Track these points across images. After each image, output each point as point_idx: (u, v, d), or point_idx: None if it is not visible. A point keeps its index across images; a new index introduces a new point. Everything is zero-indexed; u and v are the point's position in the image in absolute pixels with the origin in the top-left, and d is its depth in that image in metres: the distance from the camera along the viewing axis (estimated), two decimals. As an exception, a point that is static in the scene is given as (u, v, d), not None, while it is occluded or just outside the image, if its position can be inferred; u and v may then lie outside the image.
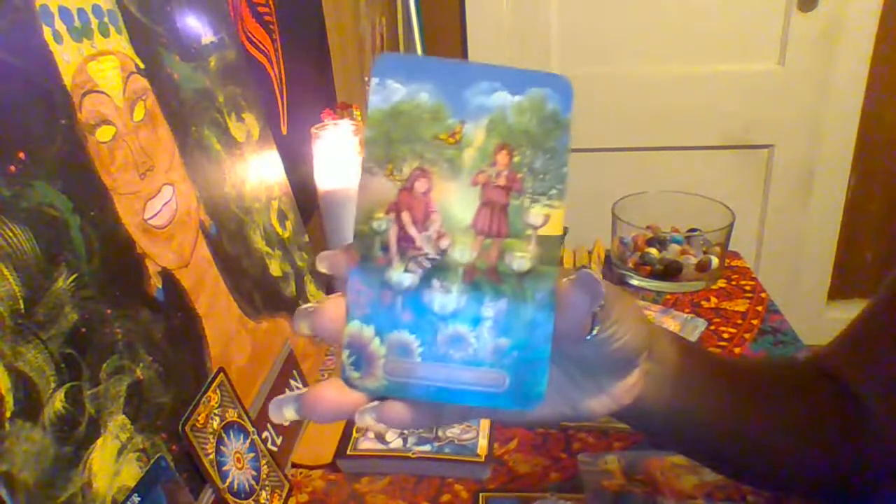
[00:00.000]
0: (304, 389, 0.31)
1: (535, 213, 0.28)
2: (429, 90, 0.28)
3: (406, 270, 0.28)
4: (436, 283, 0.28)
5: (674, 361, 0.40)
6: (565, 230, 1.01)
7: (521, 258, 0.28)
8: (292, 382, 0.72)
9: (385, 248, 0.28)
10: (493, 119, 0.28)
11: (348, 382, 0.28)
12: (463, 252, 0.28)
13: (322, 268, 0.30)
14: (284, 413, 0.31)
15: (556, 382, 0.35)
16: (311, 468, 0.67)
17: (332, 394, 0.30)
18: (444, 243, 0.28)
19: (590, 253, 1.06)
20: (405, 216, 0.28)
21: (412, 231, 0.28)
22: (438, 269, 0.28)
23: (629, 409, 0.38)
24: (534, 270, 0.28)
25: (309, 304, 0.30)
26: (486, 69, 0.29)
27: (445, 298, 0.28)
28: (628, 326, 0.33)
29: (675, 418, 0.41)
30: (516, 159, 0.28)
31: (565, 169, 0.28)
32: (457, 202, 0.28)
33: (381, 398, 0.30)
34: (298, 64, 1.04)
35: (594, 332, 0.32)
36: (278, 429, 0.67)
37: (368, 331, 0.28)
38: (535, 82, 0.29)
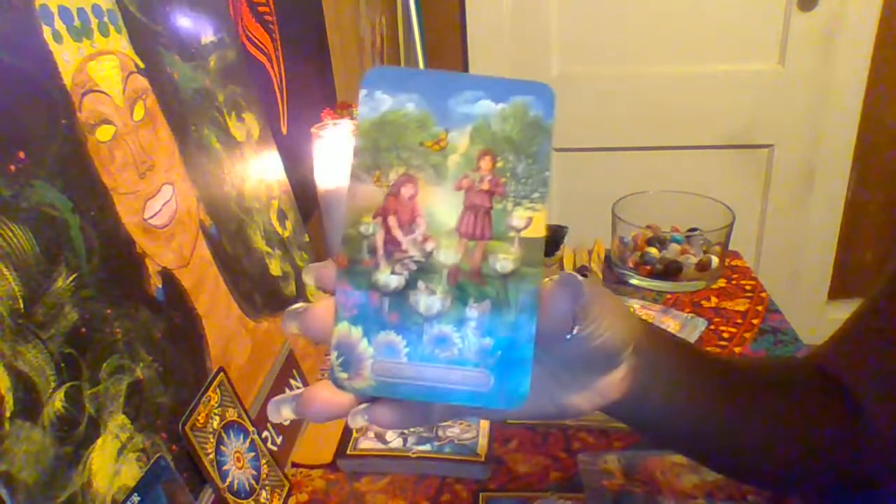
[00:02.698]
0: (301, 390, 0.32)
1: (518, 216, 0.29)
2: (415, 100, 0.29)
3: (392, 273, 0.29)
4: (421, 284, 0.29)
5: (665, 358, 0.40)
6: (565, 229, 1.01)
7: (504, 260, 0.29)
8: (292, 382, 0.72)
9: (372, 251, 0.29)
10: (476, 126, 0.29)
11: (337, 383, 0.29)
12: (448, 254, 0.29)
13: (308, 280, 0.31)
14: (282, 412, 0.32)
15: (539, 380, 0.35)
16: (311, 468, 0.67)
17: (325, 394, 0.31)
18: (429, 246, 0.29)
19: (590, 253, 1.07)
20: (392, 220, 0.29)
21: (398, 234, 0.29)
22: (424, 271, 0.29)
23: (619, 405, 0.38)
24: (517, 272, 0.29)
25: (298, 305, 0.31)
26: (471, 79, 0.30)
27: (430, 300, 0.29)
28: (608, 324, 0.34)
29: (670, 416, 0.42)
30: (499, 164, 0.29)
31: (548, 173, 0.29)
32: (441, 206, 0.29)
33: (371, 398, 0.31)
34: (298, 64, 1.04)
35: (574, 331, 0.32)
36: (278, 428, 0.67)
37: (356, 332, 0.29)
38: (517, 90, 0.30)
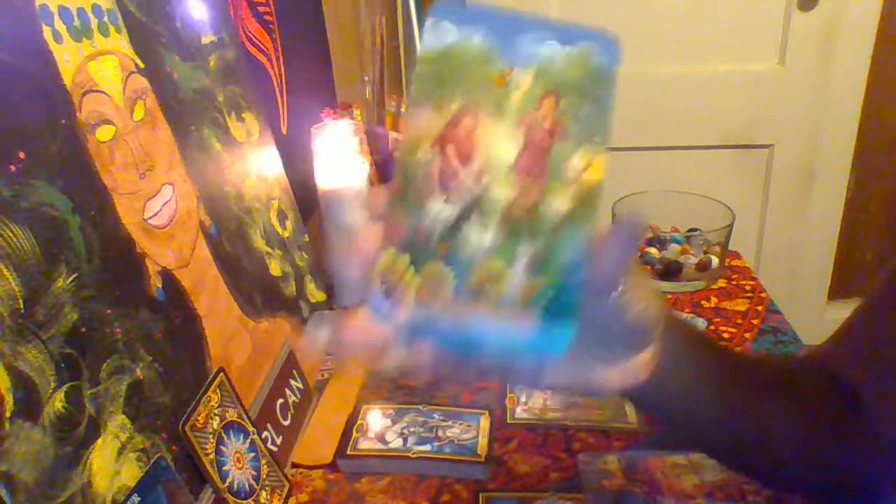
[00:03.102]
0: (339, 317, 0.31)
1: (577, 159, 0.29)
2: (481, 34, 0.29)
3: (446, 202, 0.28)
4: (474, 218, 0.28)
5: (688, 345, 0.41)
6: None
7: (560, 201, 0.28)
8: (292, 382, 0.72)
9: (427, 179, 0.28)
10: (541, 66, 0.29)
11: (378, 312, 0.28)
12: (503, 191, 0.28)
13: (363, 206, 0.30)
14: (320, 336, 0.31)
15: (574, 349, 0.35)
16: (311, 468, 0.67)
17: (363, 324, 0.29)
18: (485, 180, 0.28)
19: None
20: (449, 150, 0.28)
21: (455, 164, 0.28)
22: (478, 205, 0.28)
23: (643, 386, 0.38)
24: (571, 215, 0.28)
25: (327, 311, 0.30)
26: (538, 20, 0.29)
27: (482, 235, 0.28)
28: (644, 296, 0.34)
29: (686, 402, 0.42)
30: (561, 106, 0.29)
31: (609, 120, 0.29)
32: (501, 142, 0.29)
33: (409, 334, 0.29)
34: (298, 64, 1.04)
35: (619, 289, 0.32)
36: (278, 429, 0.67)
37: (403, 260, 0.28)
38: (584, 37, 0.29)
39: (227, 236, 0.68)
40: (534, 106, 0.29)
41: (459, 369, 0.32)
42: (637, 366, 0.37)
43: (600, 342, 0.36)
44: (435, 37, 0.29)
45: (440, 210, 0.28)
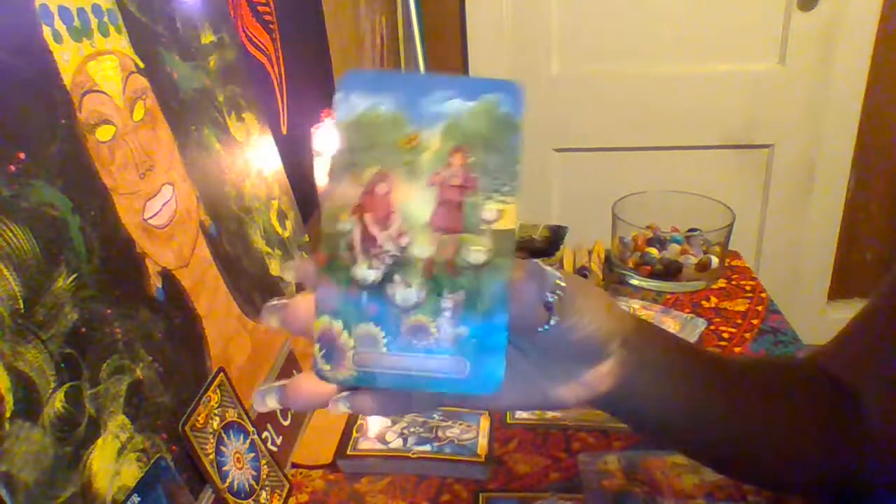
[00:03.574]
0: (285, 381, 0.34)
1: (489, 209, 0.30)
2: (388, 101, 0.30)
3: (370, 267, 0.30)
4: (398, 277, 0.30)
5: (657, 353, 0.40)
6: (565, 229, 1.01)
7: (476, 252, 0.30)
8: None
9: (350, 247, 0.30)
10: (447, 124, 0.30)
11: (320, 375, 0.30)
12: (422, 248, 0.30)
13: (289, 277, 0.32)
14: (267, 403, 0.34)
15: (525, 371, 0.37)
16: (311, 468, 0.67)
17: (309, 385, 0.33)
18: (404, 241, 0.30)
19: (590, 253, 1.07)
20: (368, 217, 0.30)
21: (374, 230, 0.30)
22: (400, 264, 0.30)
23: (606, 398, 0.38)
24: (489, 263, 0.30)
25: (278, 300, 0.32)
26: (441, 80, 0.31)
27: (407, 292, 0.30)
28: (591, 317, 0.35)
29: (660, 410, 0.42)
30: (470, 160, 0.30)
31: (517, 167, 0.30)
32: (415, 202, 0.30)
33: (353, 387, 0.32)
34: (298, 64, 1.04)
35: (551, 322, 0.33)
36: (278, 429, 0.67)
37: (337, 324, 0.30)
38: (486, 89, 0.30)
39: (227, 236, 0.68)
40: (444, 164, 0.30)
41: (405, 411, 0.34)
42: (595, 379, 0.37)
43: (550, 362, 0.37)
44: (345, 110, 0.30)
45: (365, 275, 0.30)
